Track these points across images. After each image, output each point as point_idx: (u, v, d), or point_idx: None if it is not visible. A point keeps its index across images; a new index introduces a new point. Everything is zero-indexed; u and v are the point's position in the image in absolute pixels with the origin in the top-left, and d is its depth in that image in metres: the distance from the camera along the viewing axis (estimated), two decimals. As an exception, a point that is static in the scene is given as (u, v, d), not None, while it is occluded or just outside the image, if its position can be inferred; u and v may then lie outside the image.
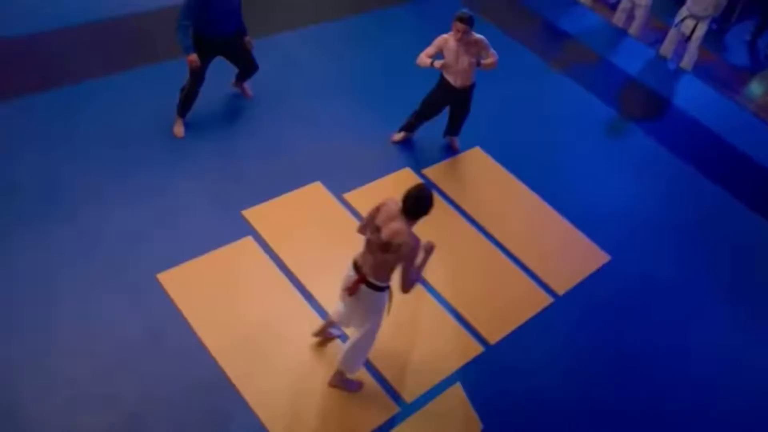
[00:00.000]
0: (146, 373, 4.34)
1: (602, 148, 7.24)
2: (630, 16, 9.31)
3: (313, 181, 5.93)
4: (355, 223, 5.47)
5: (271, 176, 5.86)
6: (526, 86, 7.78)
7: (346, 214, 5.71)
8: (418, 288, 5.24)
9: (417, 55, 5.94)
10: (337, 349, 4.67)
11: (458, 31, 5.71)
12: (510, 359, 4.99)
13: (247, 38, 6.03)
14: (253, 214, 5.49)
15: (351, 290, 3.96)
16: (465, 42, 5.82)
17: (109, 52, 6.77)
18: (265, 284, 5.03)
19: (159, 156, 5.83)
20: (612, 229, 6.23)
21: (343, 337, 4.72)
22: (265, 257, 5.21)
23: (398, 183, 6.01)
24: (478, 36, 5.85)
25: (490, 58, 5.89)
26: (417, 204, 3.69)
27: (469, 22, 5.70)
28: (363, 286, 3.94)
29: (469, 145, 6.73)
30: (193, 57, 5.59)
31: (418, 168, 6.34)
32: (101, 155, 5.71)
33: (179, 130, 6.07)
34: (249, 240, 5.30)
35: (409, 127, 6.46)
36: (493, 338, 5.08)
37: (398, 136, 6.52)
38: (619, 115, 7.76)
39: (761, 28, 10.05)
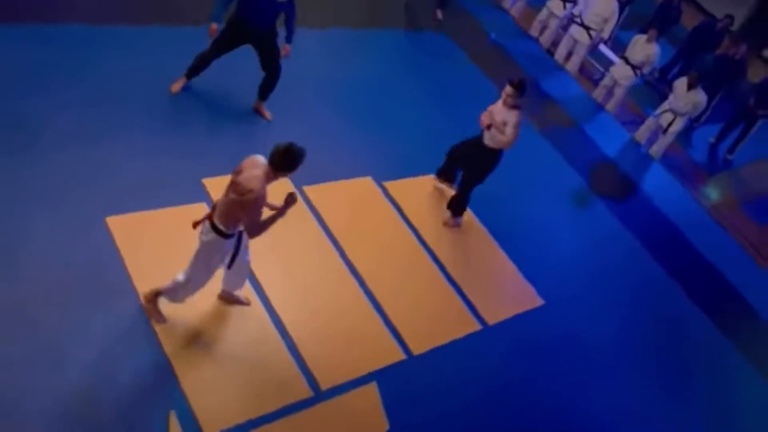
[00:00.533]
0: (73, 303, 4.37)
1: (563, 209, 7.52)
2: (609, 93, 9.78)
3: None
4: (307, 212, 5.68)
5: (240, 154, 5.98)
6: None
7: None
8: (354, 285, 5.40)
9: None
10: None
11: (507, 94, 5.71)
12: (428, 373, 5.13)
13: (288, 46, 6.25)
14: (212, 184, 5.60)
15: (195, 224, 4.13)
16: (509, 106, 5.77)
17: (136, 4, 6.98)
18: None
19: (150, 113, 5.99)
20: (552, 280, 6.47)
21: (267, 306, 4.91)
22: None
23: (355, 188, 6.27)
24: (517, 110, 5.76)
25: (506, 135, 5.77)
26: (283, 157, 3.80)
27: (517, 87, 5.66)
28: (206, 223, 4.06)
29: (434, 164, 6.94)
30: (214, 26, 5.89)
31: (380, 179, 6.51)
32: (90, 96, 5.84)
33: (176, 86, 6.30)
34: (203, 206, 5.38)
35: (447, 176, 6.59)
36: (417, 349, 5.22)
37: (438, 182, 6.67)
38: (587, 186, 8.07)
39: (724, 134, 10.59)
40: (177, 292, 4.34)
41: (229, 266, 4.32)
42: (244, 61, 6.37)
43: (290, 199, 4.02)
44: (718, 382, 6.45)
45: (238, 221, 4.02)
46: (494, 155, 6.04)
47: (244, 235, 4.23)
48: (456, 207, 6.36)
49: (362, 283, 5.50)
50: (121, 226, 4.95)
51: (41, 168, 5.09)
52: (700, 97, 8.80)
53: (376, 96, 7.59)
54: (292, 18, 6.11)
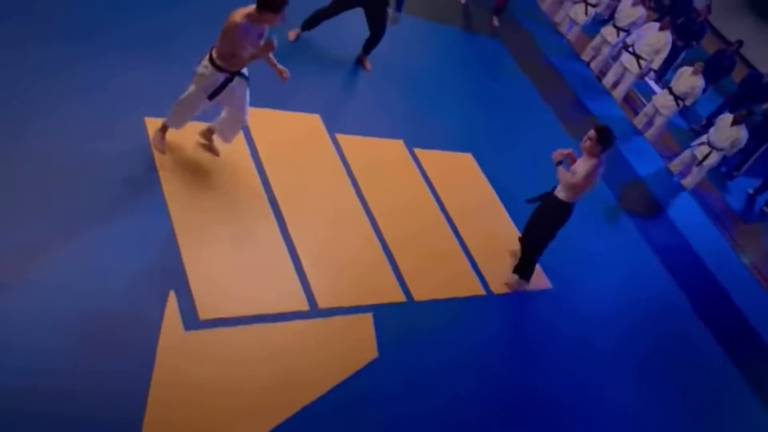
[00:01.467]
0: (93, 191, 4.59)
1: (591, 217, 7.48)
2: (649, 123, 9.83)
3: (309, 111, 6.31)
4: (336, 157, 5.86)
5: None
6: (541, 140, 8.18)
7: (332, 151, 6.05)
8: (368, 227, 5.53)
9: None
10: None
11: (588, 138, 5.17)
12: (424, 320, 5.18)
13: (396, 14, 6.85)
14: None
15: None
16: (587, 152, 5.22)
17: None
18: (235, 171, 5.31)
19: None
20: (565, 270, 6.48)
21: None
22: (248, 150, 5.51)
23: (386, 147, 6.46)
24: (595, 159, 5.18)
25: (575, 179, 5.24)
26: None
27: (600, 132, 5.09)
28: (207, 55, 4.61)
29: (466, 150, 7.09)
30: None
31: (411, 146, 6.67)
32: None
33: (293, 34, 6.89)
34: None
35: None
36: (419, 296, 5.30)
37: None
38: (617, 203, 8.09)
39: (764, 187, 10.51)
40: (173, 114, 4.85)
41: (210, 97, 4.69)
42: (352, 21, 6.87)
43: (268, 42, 4.51)
44: (716, 405, 6.34)
45: (224, 55, 4.48)
46: (564, 207, 5.44)
47: (239, 84, 4.72)
48: (524, 270, 5.81)
49: (377, 229, 5.61)
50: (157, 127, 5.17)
51: (107, 60, 5.42)
52: (741, 134, 8.81)
53: (425, 78, 7.84)
54: None
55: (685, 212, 8.85)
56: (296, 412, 4.11)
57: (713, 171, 10.04)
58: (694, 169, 9.26)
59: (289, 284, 4.78)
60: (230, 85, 4.68)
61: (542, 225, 5.60)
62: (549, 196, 5.53)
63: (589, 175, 5.20)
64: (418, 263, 5.55)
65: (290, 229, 5.13)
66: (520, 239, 5.93)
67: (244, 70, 4.76)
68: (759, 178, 10.66)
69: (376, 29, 6.96)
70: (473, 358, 5.17)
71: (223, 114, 5.04)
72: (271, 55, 4.76)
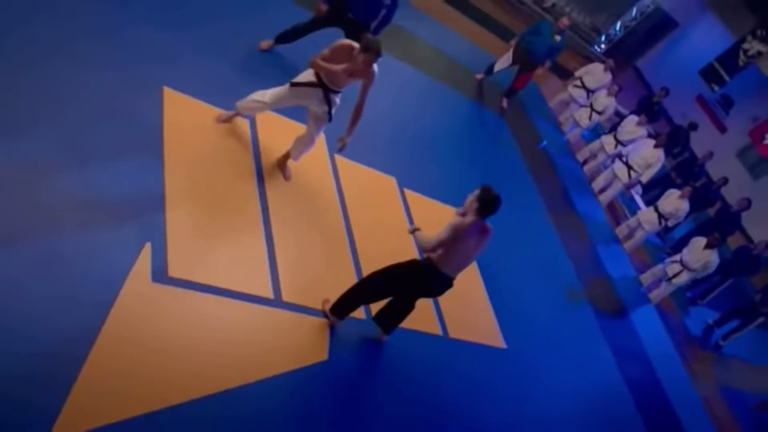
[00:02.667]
0: (102, 134, 4.78)
1: (556, 296, 7.79)
2: (630, 234, 10.20)
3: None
4: (330, 176, 6.12)
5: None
6: (524, 219, 8.51)
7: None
8: (345, 244, 5.72)
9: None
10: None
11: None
12: (374, 343, 5.29)
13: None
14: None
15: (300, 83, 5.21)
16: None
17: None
18: (236, 162, 5.52)
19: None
20: (521, 336, 6.64)
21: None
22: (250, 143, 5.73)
23: (378, 180, 6.73)
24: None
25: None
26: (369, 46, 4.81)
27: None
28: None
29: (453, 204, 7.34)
30: (323, 7, 6.61)
31: (402, 185, 6.92)
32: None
33: (266, 44, 6.83)
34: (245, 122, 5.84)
35: None
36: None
37: None
38: (582, 289, 8.35)
39: (724, 320, 10.81)
40: (249, 101, 5.43)
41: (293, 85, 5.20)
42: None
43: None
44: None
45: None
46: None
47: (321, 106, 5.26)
48: (342, 306, 5.01)
49: (353, 248, 5.80)
50: (175, 100, 5.41)
51: (142, 27, 5.73)
52: (713, 258, 9.17)
53: (429, 130, 8.20)
54: (389, 19, 6.86)
55: (646, 321, 9.08)
56: (233, 387, 4.20)
57: (679, 293, 10.36)
58: (663, 285, 9.56)
59: (259, 270, 4.92)
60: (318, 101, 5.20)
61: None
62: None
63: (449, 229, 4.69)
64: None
65: (273, 224, 5.30)
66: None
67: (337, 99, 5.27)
68: (719, 311, 10.97)
69: None
70: (412, 389, 5.27)
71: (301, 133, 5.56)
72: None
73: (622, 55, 17.97)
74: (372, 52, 4.78)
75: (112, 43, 5.46)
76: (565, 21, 9.69)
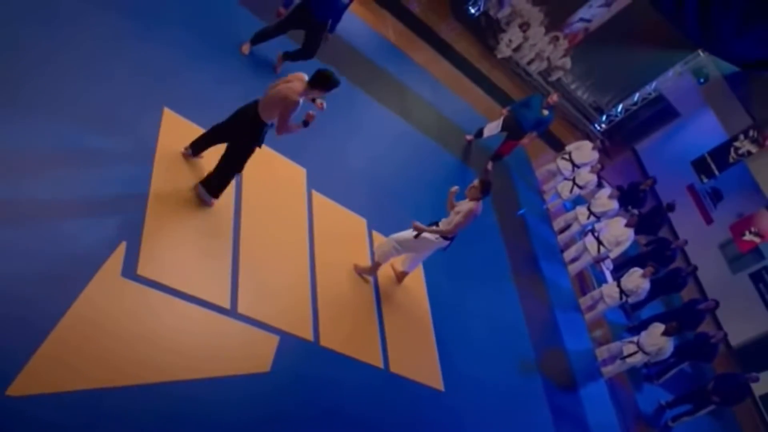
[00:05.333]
0: (95, 149, 5.40)
1: (505, 361, 8.17)
2: (592, 306, 10.67)
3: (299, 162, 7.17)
4: (304, 209, 6.66)
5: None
6: (486, 273, 9.03)
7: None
8: (305, 264, 6.26)
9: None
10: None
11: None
12: (320, 364, 5.79)
13: (327, 34, 7.86)
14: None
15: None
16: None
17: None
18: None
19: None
20: (462, 385, 7.09)
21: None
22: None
23: (350, 220, 7.28)
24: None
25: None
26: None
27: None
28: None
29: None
30: (282, 11, 7.53)
31: (372, 228, 7.48)
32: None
33: (246, 48, 7.69)
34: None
35: None
36: (325, 342, 5.93)
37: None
38: (533, 352, 8.79)
39: (677, 402, 11.16)
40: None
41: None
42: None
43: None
44: None
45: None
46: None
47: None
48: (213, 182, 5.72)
49: (313, 276, 6.33)
50: (173, 122, 6.04)
51: (153, 44, 6.44)
52: (668, 345, 9.61)
53: (405, 180, 8.76)
54: (340, 17, 7.77)
55: (593, 394, 9.45)
56: (173, 381, 4.70)
57: (634, 371, 10.76)
58: (617, 362, 9.97)
59: (221, 281, 5.46)
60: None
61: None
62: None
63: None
64: (337, 315, 6.22)
65: (242, 242, 5.86)
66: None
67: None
68: (673, 392, 11.34)
69: (309, 48, 7.78)
70: (341, 415, 5.69)
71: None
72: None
73: (621, 137, 18.69)
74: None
75: (123, 55, 6.17)
76: (554, 97, 10.37)
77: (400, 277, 7.19)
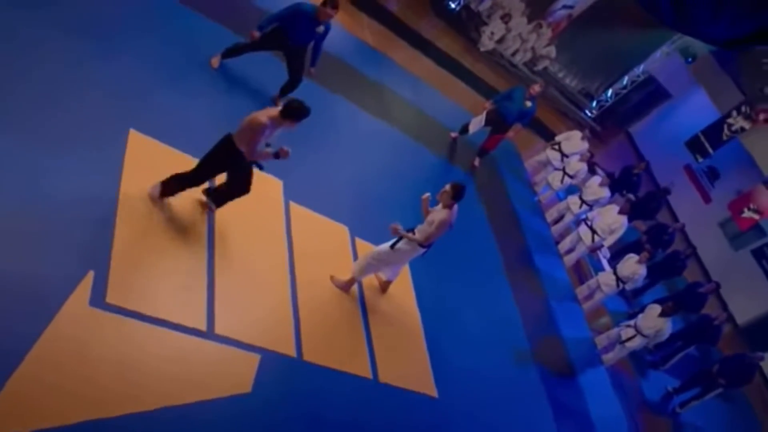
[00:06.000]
0: (59, 172, 5.29)
1: (500, 355, 8.06)
2: (590, 295, 10.54)
3: (276, 174, 7.06)
4: (282, 222, 6.53)
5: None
6: (477, 272, 8.90)
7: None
8: (285, 281, 6.15)
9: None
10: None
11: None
12: (305, 380, 5.67)
13: (312, 70, 7.79)
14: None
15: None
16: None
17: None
18: (191, 203, 5.97)
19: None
20: (457, 388, 6.96)
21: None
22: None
23: (330, 228, 7.21)
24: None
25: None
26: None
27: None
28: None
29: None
30: (256, 34, 7.33)
31: (354, 234, 7.36)
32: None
33: (215, 61, 7.61)
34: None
35: None
36: (308, 356, 5.81)
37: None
38: (532, 355, 8.63)
39: (684, 388, 11.00)
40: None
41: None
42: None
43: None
44: None
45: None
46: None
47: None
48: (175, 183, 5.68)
49: (294, 287, 6.22)
50: (139, 143, 5.94)
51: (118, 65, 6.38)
52: (666, 326, 9.46)
53: (391, 184, 8.64)
54: (320, 47, 7.64)
55: (595, 383, 9.33)
56: (151, 410, 4.58)
57: (638, 357, 10.63)
58: (617, 347, 9.84)
59: (196, 303, 5.35)
60: None
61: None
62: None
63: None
64: (320, 329, 6.11)
65: (217, 259, 5.75)
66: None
67: None
68: (680, 378, 11.19)
69: (294, 76, 7.76)
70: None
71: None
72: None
73: (614, 121, 18.54)
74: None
75: (86, 78, 6.09)
76: (536, 87, 10.23)
77: (384, 287, 7.05)
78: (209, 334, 5.26)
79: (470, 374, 7.34)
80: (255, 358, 5.42)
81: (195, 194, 5.97)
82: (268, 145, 5.53)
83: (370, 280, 6.96)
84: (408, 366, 6.68)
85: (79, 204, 5.16)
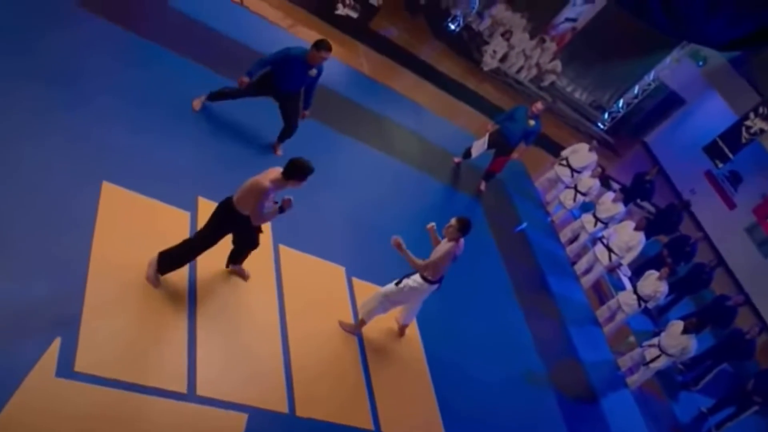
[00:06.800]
0: (36, 226, 5.05)
1: (514, 381, 7.64)
2: (611, 317, 10.05)
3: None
4: (272, 267, 6.24)
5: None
6: (489, 297, 8.50)
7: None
8: (276, 330, 5.84)
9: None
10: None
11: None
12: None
13: (306, 113, 7.51)
14: (203, 205, 6.30)
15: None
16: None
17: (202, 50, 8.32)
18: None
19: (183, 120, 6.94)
20: (470, 418, 6.55)
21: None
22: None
23: (325, 270, 6.87)
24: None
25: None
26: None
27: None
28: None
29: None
30: (245, 80, 7.01)
31: (351, 274, 7.00)
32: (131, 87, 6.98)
33: (197, 104, 7.35)
34: (186, 216, 6.07)
35: None
36: (302, 412, 5.45)
37: None
38: (547, 373, 8.20)
39: (718, 407, 10.41)
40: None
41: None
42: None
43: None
44: None
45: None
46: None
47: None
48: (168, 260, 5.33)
49: (284, 335, 5.88)
50: (112, 195, 5.69)
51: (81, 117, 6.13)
52: (691, 343, 8.93)
53: (391, 218, 8.24)
54: (312, 90, 7.34)
55: (619, 408, 8.83)
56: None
57: (669, 379, 10.09)
58: (641, 369, 9.33)
59: (175, 364, 5.03)
60: None
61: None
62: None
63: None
64: (315, 380, 5.74)
65: (199, 314, 5.44)
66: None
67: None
68: (714, 397, 10.60)
69: (289, 121, 7.47)
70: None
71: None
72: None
73: (628, 132, 18.10)
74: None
75: (55, 128, 5.88)
76: (538, 105, 9.87)
77: (402, 331, 6.80)
78: (190, 395, 4.93)
79: (482, 412, 6.90)
80: (242, 418, 5.08)
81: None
82: (275, 202, 5.28)
83: (371, 323, 6.57)
84: (414, 412, 6.28)
85: (47, 266, 4.90)
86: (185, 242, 5.33)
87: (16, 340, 4.42)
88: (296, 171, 5.01)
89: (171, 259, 5.27)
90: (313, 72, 7.13)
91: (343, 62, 10.97)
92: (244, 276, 6.01)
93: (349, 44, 11.70)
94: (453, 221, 5.97)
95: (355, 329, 6.39)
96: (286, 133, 7.61)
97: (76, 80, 6.50)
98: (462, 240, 6.03)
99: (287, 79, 7.13)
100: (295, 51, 7.06)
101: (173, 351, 5.10)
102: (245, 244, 5.71)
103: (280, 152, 7.70)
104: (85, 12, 7.34)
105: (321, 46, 6.93)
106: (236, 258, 5.88)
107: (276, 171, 5.06)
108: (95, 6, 7.48)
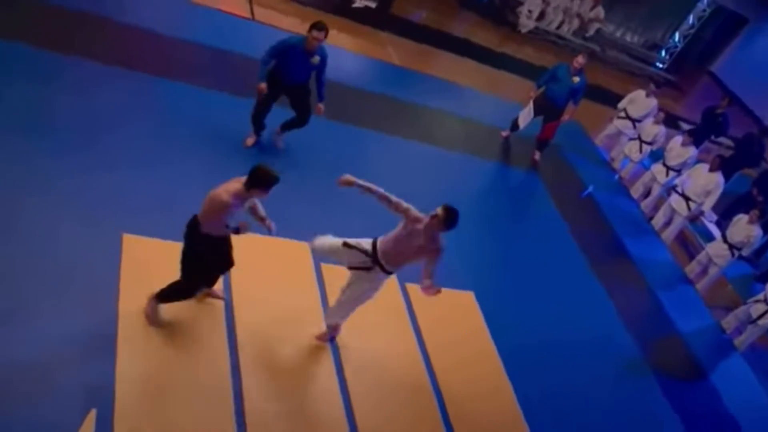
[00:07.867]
0: (59, 292, 4.83)
1: (607, 374, 6.93)
2: (703, 271, 9.19)
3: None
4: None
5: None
6: (563, 278, 7.85)
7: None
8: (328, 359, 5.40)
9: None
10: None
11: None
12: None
13: (320, 105, 7.05)
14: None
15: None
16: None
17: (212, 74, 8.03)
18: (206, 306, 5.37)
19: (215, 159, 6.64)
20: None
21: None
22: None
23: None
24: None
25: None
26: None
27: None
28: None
29: (466, 287, 6.81)
30: (263, 86, 6.72)
31: (403, 279, 6.49)
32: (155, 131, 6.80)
33: (250, 141, 7.22)
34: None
35: None
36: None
37: None
38: (643, 357, 7.41)
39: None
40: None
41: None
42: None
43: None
44: None
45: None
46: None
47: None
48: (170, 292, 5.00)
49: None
50: (134, 245, 5.43)
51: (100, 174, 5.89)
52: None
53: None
54: (321, 80, 6.93)
55: (730, 376, 7.91)
56: None
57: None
58: (749, 328, 8.44)
59: (221, 420, 4.65)
60: None
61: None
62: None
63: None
64: (379, 411, 5.25)
65: (241, 359, 5.07)
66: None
67: None
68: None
69: (301, 115, 7.15)
70: None
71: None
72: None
73: (691, 65, 16.87)
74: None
75: (65, 185, 5.65)
76: (580, 59, 9.10)
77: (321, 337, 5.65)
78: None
79: (571, 409, 6.25)
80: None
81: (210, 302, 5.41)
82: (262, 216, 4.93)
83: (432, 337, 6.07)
84: (493, 419, 5.74)
85: (74, 335, 4.67)
86: (181, 280, 4.96)
87: (49, 413, 4.18)
88: (258, 180, 4.50)
89: (177, 294, 4.97)
90: (316, 59, 6.76)
91: (370, 57, 10.54)
92: (219, 297, 5.42)
93: (372, 36, 11.24)
94: (439, 210, 4.90)
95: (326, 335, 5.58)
96: (295, 123, 7.25)
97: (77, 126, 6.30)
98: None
99: (290, 71, 6.79)
100: (292, 40, 6.76)
101: (220, 415, 4.69)
102: (216, 265, 5.06)
103: (280, 144, 7.38)
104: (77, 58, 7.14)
105: (312, 27, 6.59)
106: (209, 281, 5.22)
107: (237, 181, 4.58)
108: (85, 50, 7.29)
